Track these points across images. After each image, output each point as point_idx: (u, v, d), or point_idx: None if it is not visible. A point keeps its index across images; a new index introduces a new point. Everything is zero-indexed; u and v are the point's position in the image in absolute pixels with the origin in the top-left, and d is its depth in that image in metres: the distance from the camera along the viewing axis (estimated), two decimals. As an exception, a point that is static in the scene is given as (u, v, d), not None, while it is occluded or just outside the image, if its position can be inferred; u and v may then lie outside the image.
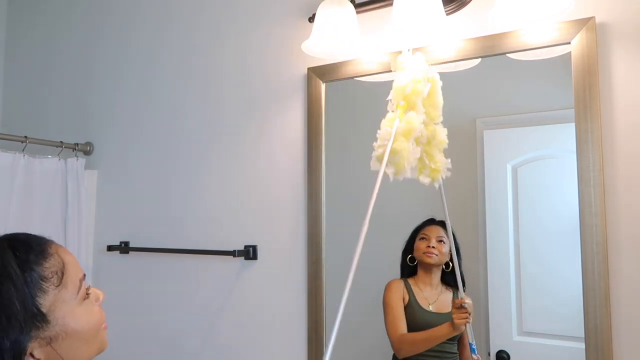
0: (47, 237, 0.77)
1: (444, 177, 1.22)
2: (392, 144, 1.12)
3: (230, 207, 1.66)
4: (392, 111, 1.19)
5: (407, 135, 1.14)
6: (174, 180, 1.80)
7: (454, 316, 1.25)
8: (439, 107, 1.22)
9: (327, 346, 0.87)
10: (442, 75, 1.32)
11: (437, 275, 1.33)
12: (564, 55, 1.18)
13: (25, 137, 1.82)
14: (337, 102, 1.48)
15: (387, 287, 1.36)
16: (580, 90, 1.15)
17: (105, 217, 1.95)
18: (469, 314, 1.24)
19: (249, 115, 1.65)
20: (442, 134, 1.22)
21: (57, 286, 0.73)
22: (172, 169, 1.80)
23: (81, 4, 2.14)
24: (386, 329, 1.34)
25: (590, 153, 1.13)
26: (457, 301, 1.26)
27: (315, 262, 1.46)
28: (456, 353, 1.28)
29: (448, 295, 1.31)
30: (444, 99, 1.22)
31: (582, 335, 1.11)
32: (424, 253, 1.32)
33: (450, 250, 1.27)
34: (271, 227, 1.58)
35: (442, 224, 1.29)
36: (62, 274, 0.74)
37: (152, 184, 1.85)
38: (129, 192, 1.90)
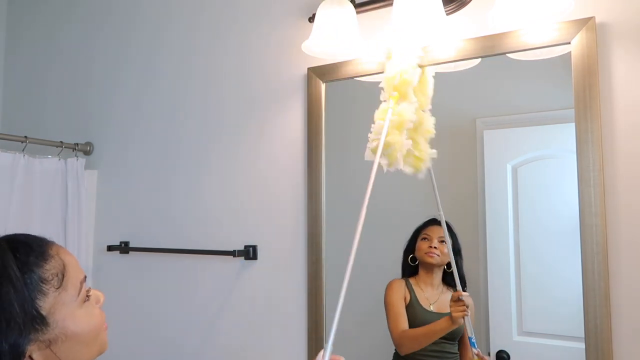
0: (48, 238, 0.77)
1: (427, 167, 1.24)
2: (386, 137, 1.17)
3: (230, 207, 1.66)
4: (385, 100, 1.22)
5: (400, 128, 1.19)
6: (174, 180, 1.80)
7: (451, 309, 1.26)
8: (428, 95, 1.27)
9: (328, 337, 0.89)
10: (442, 75, 1.32)
11: (438, 275, 1.33)
12: (564, 55, 1.18)
13: (25, 137, 1.82)
14: (337, 102, 1.48)
15: (389, 287, 1.36)
16: (580, 90, 1.15)
17: (105, 217, 1.95)
18: (467, 307, 1.24)
19: (249, 115, 1.65)
20: (429, 122, 1.25)
21: (57, 288, 0.72)
22: (172, 169, 1.80)
23: (81, 4, 2.14)
24: (388, 327, 1.35)
25: (590, 153, 1.13)
26: (454, 294, 1.27)
27: (315, 262, 1.46)
28: (457, 353, 1.28)
29: (449, 295, 1.31)
30: (443, 99, 1.24)
31: (582, 335, 1.11)
32: (425, 253, 1.32)
33: (445, 240, 1.28)
34: (271, 227, 1.58)
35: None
36: (63, 276, 0.73)
37: (152, 184, 1.85)
38: (129, 192, 1.90)
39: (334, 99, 1.48)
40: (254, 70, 1.66)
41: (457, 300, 1.26)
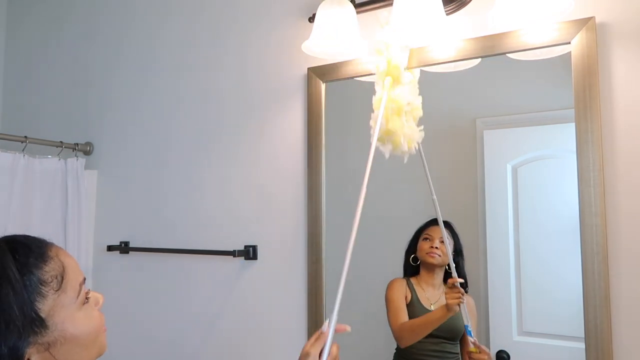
0: (47, 240, 0.76)
1: (415, 147, 1.25)
2: (387, 125, 1.21)
3: (230, 207, 1.66)
4: (378, 83, 1.26)
5: (399, 113, 1.22)
6: (174, 180, 1.80)
7: (446, 296, 1.27)
8: (415, 76, 1.30)
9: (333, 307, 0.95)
10: (442, 75, 1.32)
11: (439, 275, 1.33)
12: (564, 55, 1.18)
13: (25, 137, 1.82)
14: (337, 102, 1.48)
15: (390, 285, 1.37)
16: (580, 90, 1.14)
17: (105, 217, 1.95)
18: (462, 294, 1.25)
19: (249, 115, 1.65)
20: (418, 101, 1.26)
21: (56, 290, 0.71)
22: (173, 169, 1.80)
23: (81, 4, 2.13)
24: (388, 321, 1.35)
25: (590, 153, 1.13)
26: (450, 280, 1.27)
27: (315, 262, 1.46)
28: (457, 353, 1.29)
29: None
30: (443, 99, 1.24)
31: (582, 335, 1.11)
32: (426, 253, 1.33)
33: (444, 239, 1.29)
34: (271, 227, 1.58)
35: (446, 224, 1.29)
36: (62, 278, 0.72)
37: (152, 183, 1.85)
38: (129, 192, 1.90)
39: (334, 99, 1.48)
40: (254, 70, 1.66)
41: (452, 287, 1.26)
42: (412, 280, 1.35)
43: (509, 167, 1.26)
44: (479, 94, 1.31)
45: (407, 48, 1.30)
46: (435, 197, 1.27)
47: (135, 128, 1.91)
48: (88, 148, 2.00)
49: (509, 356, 1.23)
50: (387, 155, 1.23)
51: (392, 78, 1.24)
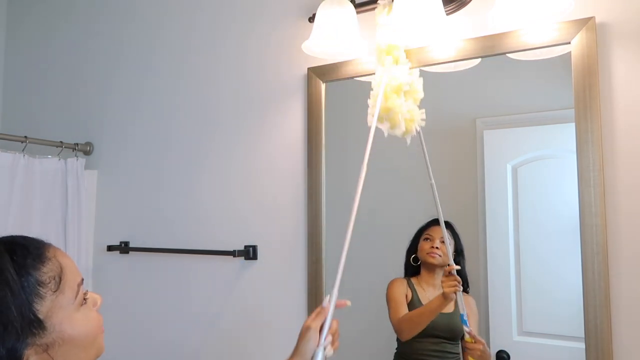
0: (45, 240, 0.76)
1: (418, 128, 1.25)
2: (386, 102, 1.21)
3: (230, 207, 1.66)
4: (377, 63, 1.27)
5: (398, 92, 1.22)
6: (174, 180, 1.80)
7: (443, 285, 1.27)
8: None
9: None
10: (442, 75, 1.32)
11: (440, 275, 1.33)
12: (564, 55, 1.18)
13: (25, 137, 1.82)
14: (337, 102, 1.48)
15: (390, 284, 1.37)
16: (580, 90, 1.14)
17: (105, 217, 1.95)
18: (459, 282, 1.25)
19: (249, 115, 1.65)
20: (418, 84, 1.26)
21: (54, 292, 0.71)
22: (173, 169, 1.80)
23: (81, 4, 2.13)
24: (389, 318, 1.35)
25: (590, 153, 1.13)
26: (446, 269, 1.28)
27: (315, 262, 1.46)
28: (458, 353, 1.28)
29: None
30: (443, 99, 1.24)
31: (582, 335, 1.11)
32: (427, 253, 1.33)
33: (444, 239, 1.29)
34: (271, 227, 1.58)
35: (447, 224, 1.29)
36: (60, 279, 0.72)
37: (152, 183, 1.85)
38: (129, 192, 1.90)
39: (334, 99, 1.48)
40: (254, 70, 1.66)
41: (448, 275, 1.27)
42: (413, 280, 1.35)
43: (509, 167, 1.25)
44: (479, 94, 1.31)
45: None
46: (433, 181, 1.27)
47: (135, 128, 1.91)
48: (88, 148, 2.00)
49: (509, 356, 1.23)
50: (385, 134, 1.22)
51: (392, 58, 1.25)
